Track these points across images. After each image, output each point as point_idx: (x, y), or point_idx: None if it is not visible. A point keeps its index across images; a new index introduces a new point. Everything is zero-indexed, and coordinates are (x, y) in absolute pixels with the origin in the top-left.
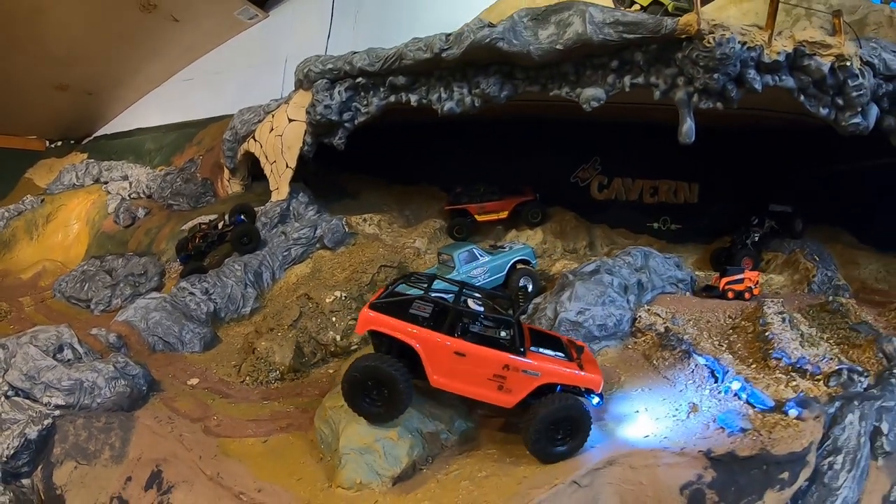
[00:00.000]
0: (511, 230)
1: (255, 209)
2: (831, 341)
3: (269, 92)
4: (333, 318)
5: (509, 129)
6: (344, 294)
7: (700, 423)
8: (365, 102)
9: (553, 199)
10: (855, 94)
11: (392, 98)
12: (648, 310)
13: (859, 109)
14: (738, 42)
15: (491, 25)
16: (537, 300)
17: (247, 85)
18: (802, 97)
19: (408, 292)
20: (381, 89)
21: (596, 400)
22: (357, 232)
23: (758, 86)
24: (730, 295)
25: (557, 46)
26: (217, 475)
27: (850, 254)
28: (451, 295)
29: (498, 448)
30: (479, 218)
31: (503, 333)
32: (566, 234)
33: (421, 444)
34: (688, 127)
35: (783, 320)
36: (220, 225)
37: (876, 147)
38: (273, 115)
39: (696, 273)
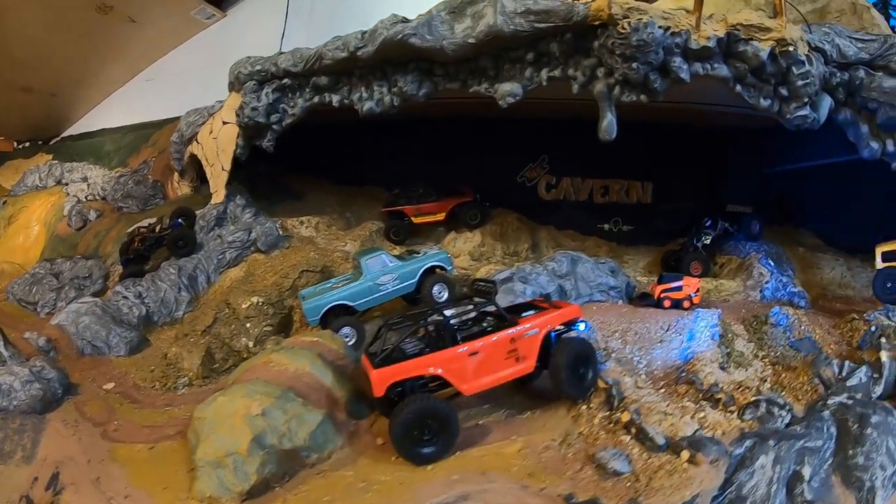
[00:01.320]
0: (451, 232)
1: (196, 212)
2: (766, 360)
3: (226, 92)
4: (248, 325)
5: (458, 128)
6: (262, 300)
7: (575, 459)
8: (292, 104)
9: (499, 200)
10: (800, 83)
11: (316, 99)
12: None
13: (806, 100)
14: (659, 27)
15: (405, 21)
16: None
17: (206, 85)
18: (739, 87)
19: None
20: (306, 90)
21: (583, 326)
22: (293, 235)
23: (685, 75)
24: (666, 304)
25: (470, 40)
26: (97, 479)
27: (814, 257)
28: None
29: (355, 471)
30: (415, 220)
31: (489, 318)
32: (507, 237)
33: (275, 461)
34: (608, 122)
35: (713, 336)
36: (157, 228)
37: (842, 143)
38: (214, 118)
39: (639, 279)
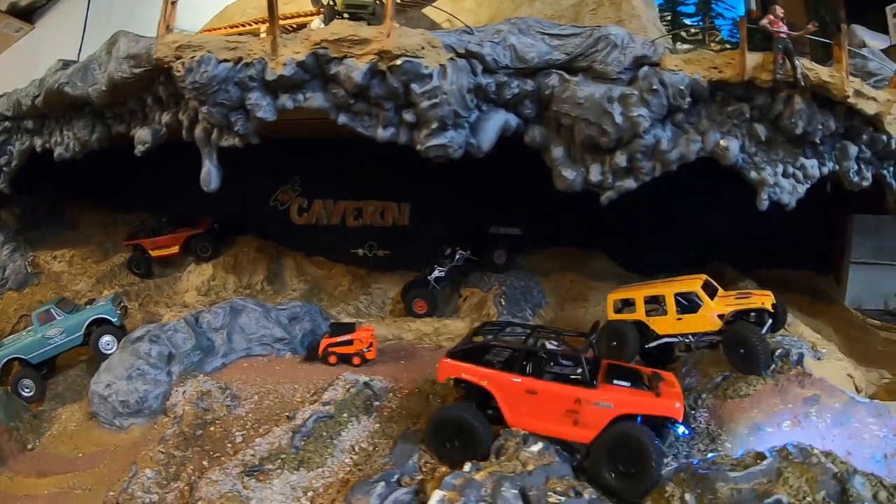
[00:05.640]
0: (191, 264)
1: None
2: (353, 456)
3: None
4: None
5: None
6: None
7: None
8: (15, 147)
9: (253, 226)
10: (426, 103)
11: (27, 143)
12: (183, 384)
13: (436, 125)
14: (223, 60)
15: (66, 66)
16: None
17: None
18: (345, 117)
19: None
20: (23, 133)
21: (682, 430)
22: (43, 271)
23: (264, 113)
24: (332, 360)
25: (102, 87)
26: None
27: (587, 287)
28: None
29: None
30: (153, 253)
31: (577, 370)
32: (241, 268)
33: None
34: (206, 171)
35: (310, 416)
36: None
37: None
38: None
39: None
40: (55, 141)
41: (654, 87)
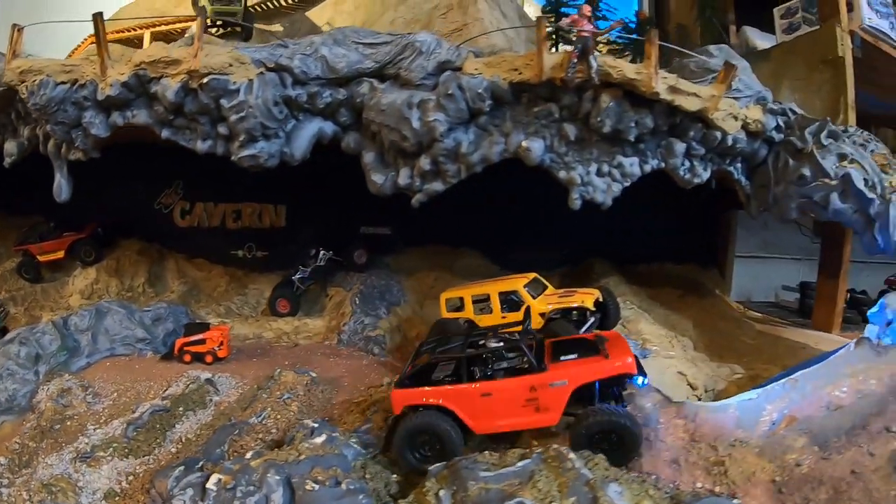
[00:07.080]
0: (78, 268)
1: None
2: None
3: None
4: None
5: (112, 155)
6: None
7: None
8: None
9: (140, 229)
10: (235, 116)
11: None
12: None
13: (244, 136)
14: (60, 83)
15: None
16: None
17: None
18: (166, 132)
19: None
20: None
21: (641, 380)
22: None
23: (97, 130)
24: (186, 358)
25: None
26: None
27: (447, 285)
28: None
29: None
30: (41, 258)
31: (523, 359)
32: (123, 271)
33: None
34: (57, 183)
35: (147, 410)
36: None
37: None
38: None
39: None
40: None
41: (451, 91)
